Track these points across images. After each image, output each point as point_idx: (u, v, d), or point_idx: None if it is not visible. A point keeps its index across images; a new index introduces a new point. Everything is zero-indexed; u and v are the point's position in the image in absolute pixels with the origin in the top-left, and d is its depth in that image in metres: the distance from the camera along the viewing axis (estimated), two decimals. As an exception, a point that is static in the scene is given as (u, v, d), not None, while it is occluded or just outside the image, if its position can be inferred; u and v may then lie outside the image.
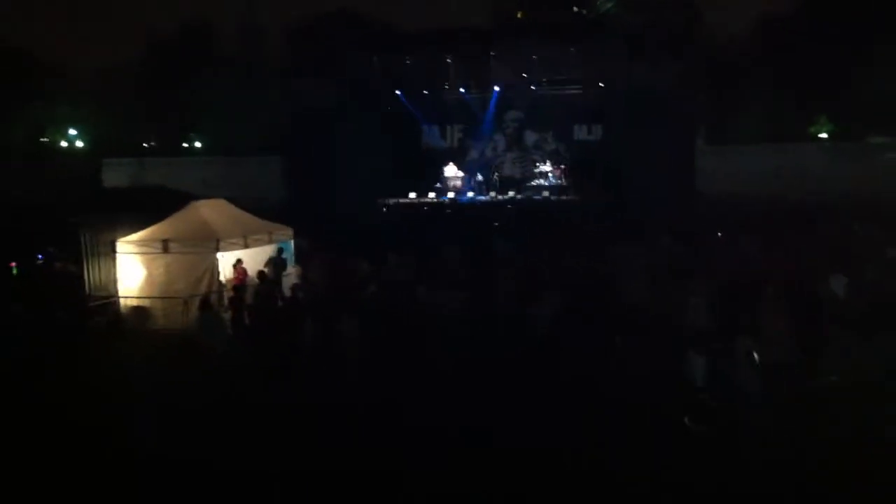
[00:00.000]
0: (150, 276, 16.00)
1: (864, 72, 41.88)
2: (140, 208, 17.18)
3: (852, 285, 14.38)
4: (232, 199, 19.01)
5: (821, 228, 21.22)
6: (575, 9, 76.42)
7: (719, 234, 21.58)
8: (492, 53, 36.97)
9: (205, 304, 14.05)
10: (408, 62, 37.67)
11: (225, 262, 16.38)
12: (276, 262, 17.67)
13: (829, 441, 9.38)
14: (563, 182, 37.74)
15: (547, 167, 38.56)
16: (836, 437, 9.44)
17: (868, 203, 26.74)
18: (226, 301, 15.71)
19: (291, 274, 17.86)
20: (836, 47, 42.32)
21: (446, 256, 19.85)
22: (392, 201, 35.77)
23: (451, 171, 38.76)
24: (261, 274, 16.06)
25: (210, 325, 13.50)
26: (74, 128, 54.68)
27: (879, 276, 15.47)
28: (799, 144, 41.82)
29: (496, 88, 38.01)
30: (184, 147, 56.66)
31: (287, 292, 15.74)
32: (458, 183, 38.18)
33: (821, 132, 46.03)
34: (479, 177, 38.98)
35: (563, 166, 38.50)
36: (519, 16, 78.64)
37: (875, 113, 41.98)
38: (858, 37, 42.06)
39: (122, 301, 16.16)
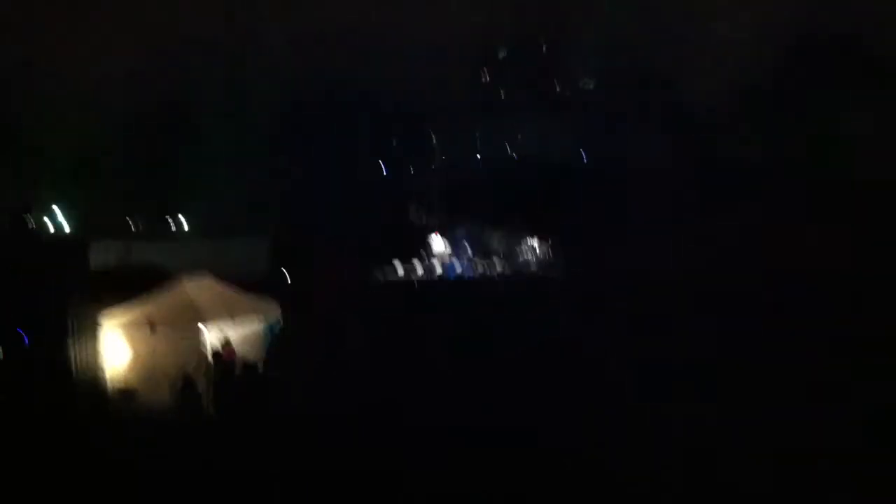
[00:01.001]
0: (137, 357, 15.80)
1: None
2: (127, 288, 17.06)
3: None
4: (218, 276, 18.84)
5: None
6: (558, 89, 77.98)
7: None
8: (473, 127, 37.44)
9: (186, 381, 13.93)
10: (391, 136, 38.03)
11: (213, 341, 16.21)
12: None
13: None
14: (549, 257, 37.87)
15: (531, 241, 38.72)
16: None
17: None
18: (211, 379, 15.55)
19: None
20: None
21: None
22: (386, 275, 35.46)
23: (437, 242, 38.79)
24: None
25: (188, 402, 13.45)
26: (58, 207, 54.42)
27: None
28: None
29: (478, 161, 38.36)
30: (171, 230, 56.33)
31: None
32: (444, 255, 38.21)
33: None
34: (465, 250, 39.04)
35: (547, 241, 38.66)
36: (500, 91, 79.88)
37: None
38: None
39: (109, 383, 15.93)
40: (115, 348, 15.95)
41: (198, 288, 17.35)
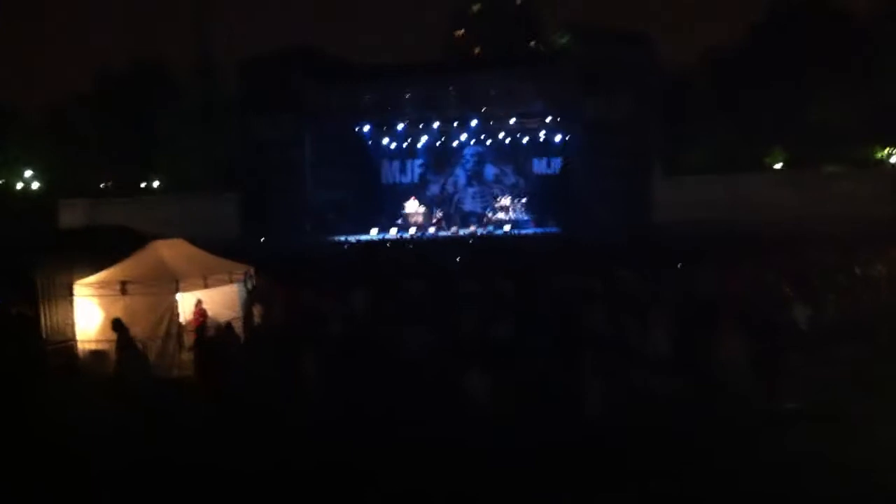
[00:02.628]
0: (108, 318, 15.68)
1: (816, 102, 42.93)
2: (97, 249, 16.86)
3: (815, 313, 14.66)
4: (190, 238, 18.78)
5: (777, 257, 21.50)
6: (531, 44, 77.89)
7: (679, 265, 21.76)
8: (450, 88, 37.27)
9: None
10: (366, 97, 37.83)
11: (185, 303, 16.17)
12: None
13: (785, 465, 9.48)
14: (524, 215, 38.00)
15: (506, 201, 38.82)
16: (791, 462, 9.53)
17: (824, 230, 27.23)
18: (187, 342, 15.54)
19: (254, 314, 17.69)
20: (786, 77, 43.32)
21: (409, 291, 19.84)
22: (354, 239, 35.65)
23: (412, 206, 38.79)
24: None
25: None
26: (29, 168, 53.87)
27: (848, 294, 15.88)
28: (753, 174, 42.58)
29: (455, 123, 38.30)
30: (141, 186, 56.07)
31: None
32: (420, 218, 38.22)
33: (775, 162, 46.97)
34: (440, 212, 39.14)
35: (522, 200, 38.82)
36: (476, 51, 79.83)
37: (827, 142, 42.97)
38: (808, 67, 43.11)
39: (79, 345, 15.85)
40: (87, 310, 15.84)
41: (170, 249, 17.25)
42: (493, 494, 9.07)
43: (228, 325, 15.85)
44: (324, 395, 12.46)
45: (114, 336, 14.37)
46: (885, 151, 45.74)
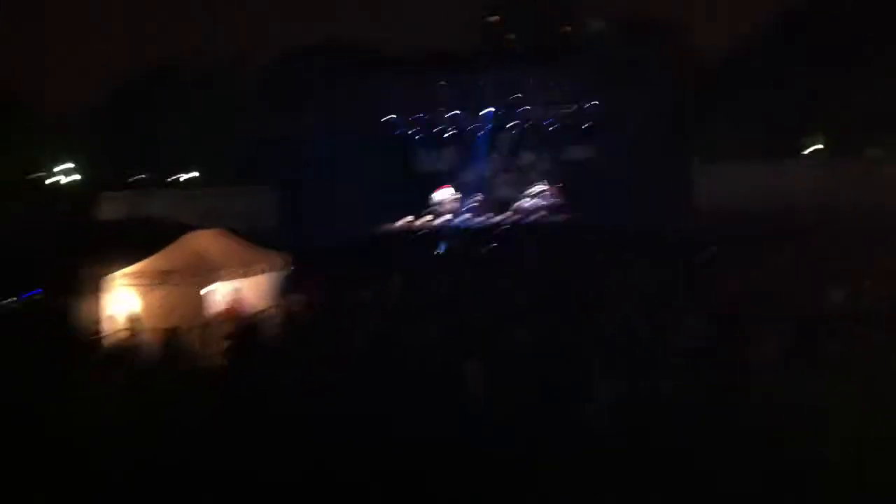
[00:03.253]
0: (147, 308, 15.88)
1: (859, 84, 42.07)
2: (137, 240, 17.11)
3: (851, 298, 14.40)
4: (228, 229, 18.94)
5: (819, 243, 21.19)
6: (565, 28, 77.27)
7: (713, 254, 21.49)
8: (483, 77, 37.14)
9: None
10: (398, 87, 37.83)
11: (223, 293, 16.31)
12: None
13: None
14: (559, 202, 37.80)
15: (541, 187, 38.64)
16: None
17: (866, 216, 26.77)
18: (224, 332, 15.71)
19: (291, 303, 17.80)
20: (829, 60, 42.53)
21: (438, 281, 19.85)
22: (388, 227, 35.78)
23: (445, 193, 38.75)
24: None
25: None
26: (69, 161, 54.56)
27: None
28: (794, 159, 41.93)
29: (489, 110, 38.16)
30: (176, 179, 56.52)
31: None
32: (454, 206, 38.18)
33: (816, 145, 46.12)
34: (475, 199, 39.09)
35: (557, 186, 38.62)
36: (510, 38, 79.46)
37: (871, 126, 42.10)
38: (851, 49, 42.30)
39: (119, 334, 16.05)
40: (125, 300, 16.04)
41: (208, 239, 17.41)
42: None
43: (266, 315, 16.01)
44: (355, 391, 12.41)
45: (154, 326, 14.59)
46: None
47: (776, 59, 44.84)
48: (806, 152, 45.91)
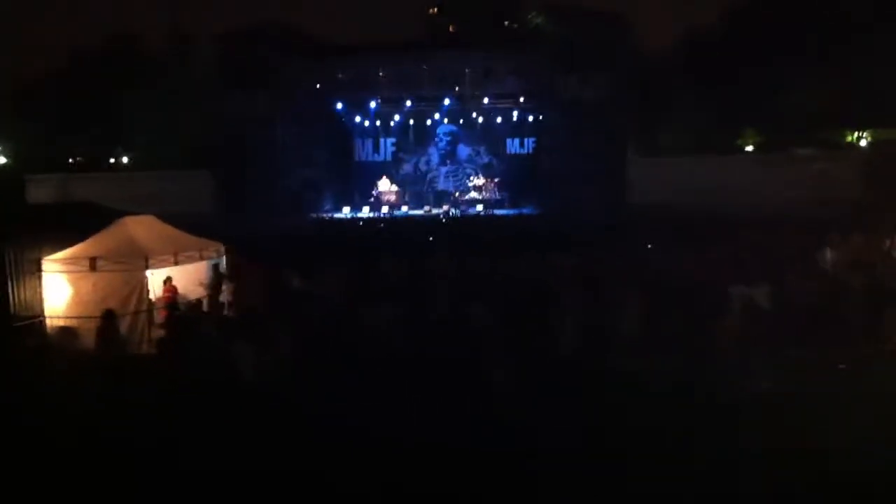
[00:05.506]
0: (77, 294, 15.56)
1: (788, 83, 43.26)
2: (67, 225, 16.68)
3: (777, 293, 14.79)
4: (161, 216, 18.64)
5: (745, 238, 21.70)
6: (506, 23, 77.67)
7: (649, 245, 21.93)
8: (424, 66, 37.14)
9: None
10: (340, 75, 37.64)
11: (154, 280, 16.07)
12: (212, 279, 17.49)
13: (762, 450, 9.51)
14: (497, 195, 38.01)
15: (480, 181, 38.81)
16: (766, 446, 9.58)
17: (795, 213, 27.52)
18: (156, 320, 15.50)
19: (224, 291, 17.61)
20: (760, 59, 43.64)
21: (383, 270, 19.83)
22: (326, 216, 35.61)
23: (385, 185, 38.68)
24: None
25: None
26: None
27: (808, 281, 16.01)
28: (726, 157, 42.89)
29: (428, 102, 38.21)
30: (111, 162, 55.45)
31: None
32: (393, 197, 38.13)
33: (748, 145, 47.32)
34: (415, 190, 39.12)
35: (496, 179, 38.83)
36: (451, 29, 79.49)
37: (799, 125, 43.34)
38: (782, 48, 43.44)
39: (48, 321, 15.70)
40: (56, 286, 15.70)
41: (140, 225, 17.12)
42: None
43: (199, 303, 15.80)
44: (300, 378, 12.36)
45: (83, 312, 14.31)
46: (856, 134, 46.26)
47: (714, 59, 45.82)
48: (748, 149, 47.05)
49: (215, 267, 17.84)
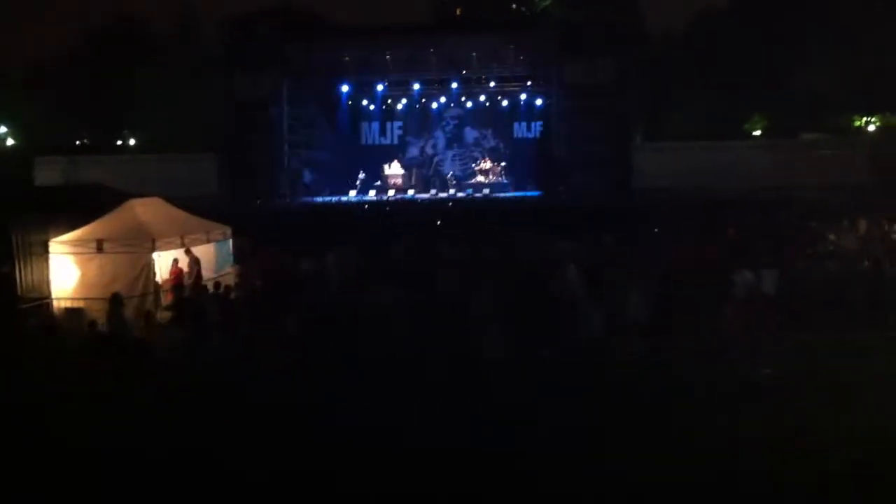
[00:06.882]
0: (84, 276, 15.65)
1: (797, 68, 43.02)
2: (74, 207, 16.73)
3: (782, 278, 14.80)
4: (167, 198, 18.70)
5: (754, 223, 21.66)
6: (513, 6, 77.16)
7: (655, 230, 21.91)
8: (431, 50, 37.01)
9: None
10: (346, 58, 37.53)
11: (161, 262, 16.14)
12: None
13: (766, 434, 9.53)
14: (503, 179, 37.92)
15: (487, 164, 38.71)
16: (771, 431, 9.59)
17: (800, 197, 27.43)
18: (163, 302, 15.59)
19: (230, 273, 17.68)
20: (768, 44, 43.39)
21: (387, 253, 19.87)
22: (332, 199, 35.60)
23: (392, 168, 38.59)
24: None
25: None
26: (4, 124, 53.00)
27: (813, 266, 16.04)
28: (733, 141, 42.64)
29: (435, 85, 38.16)
30: (117, 144, 55.35)
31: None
32: (399, 181, 38.03)
33: (755, 129, 47.05)
34: (420, 174, 39.03)
35: (502, 164, 38.73)
36: (458, 12, 79.02)
37: (807, 110, 43.10)
38: (790, 33, 43.21)
39: (55, 303, 15.79)
40: (63, 267, 15.77)
41: (147, 208, 17.19)
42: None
43: (205, 285, 15.87)
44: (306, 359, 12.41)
45: (90, 294, 14.38)
46: (864, 120, 45.95)
47: (722, 43, 45.54)
48: (756, 134, 46.81)
49: (224, 249, 17.91)
